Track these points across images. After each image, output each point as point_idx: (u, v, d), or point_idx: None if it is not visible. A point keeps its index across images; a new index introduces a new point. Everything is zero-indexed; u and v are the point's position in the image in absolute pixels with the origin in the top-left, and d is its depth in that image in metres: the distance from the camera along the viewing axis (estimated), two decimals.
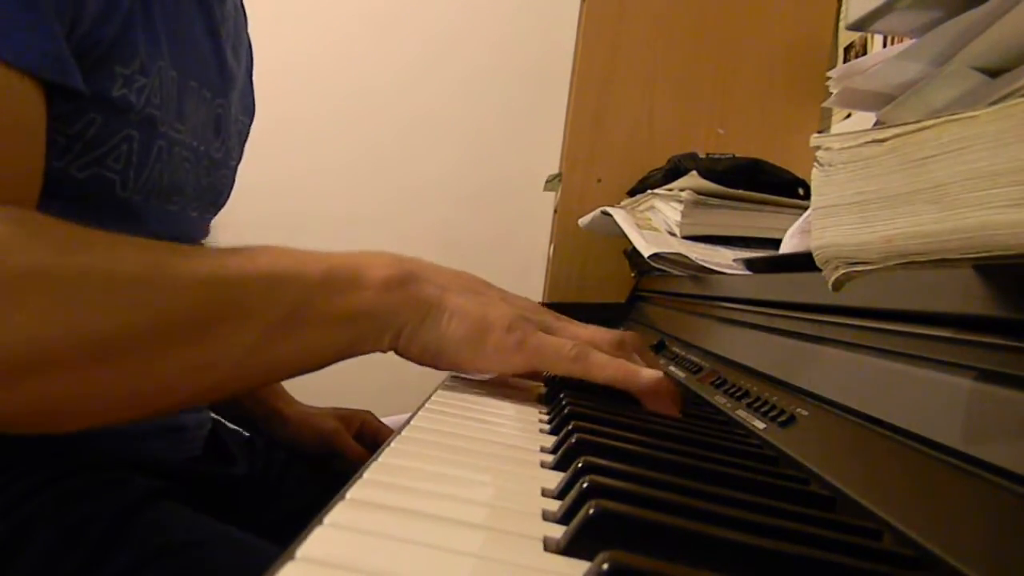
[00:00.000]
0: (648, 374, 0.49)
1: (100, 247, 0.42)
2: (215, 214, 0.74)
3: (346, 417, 0.86)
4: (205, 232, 0.73)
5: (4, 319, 0.38)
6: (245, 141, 0.80)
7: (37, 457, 0.55)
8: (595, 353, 0.48)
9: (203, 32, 0.65)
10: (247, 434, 0.82)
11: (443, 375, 0.58)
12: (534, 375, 0.54)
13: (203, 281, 0.43)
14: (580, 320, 0.56)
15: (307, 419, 0.84)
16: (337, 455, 0.82)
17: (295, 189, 2.09)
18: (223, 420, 0.79)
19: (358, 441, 0.84)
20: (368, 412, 0.88)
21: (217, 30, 0.67)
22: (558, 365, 0.48)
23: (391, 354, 0.49)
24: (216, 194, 0.71)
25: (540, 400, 0.55)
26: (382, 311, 0.46)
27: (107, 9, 0.51)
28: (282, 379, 0.46)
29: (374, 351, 0.47)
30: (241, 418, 0.83)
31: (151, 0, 0.57)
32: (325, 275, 0.45)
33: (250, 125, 0.81)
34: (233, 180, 0.76)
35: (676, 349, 0.79)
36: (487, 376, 0.52)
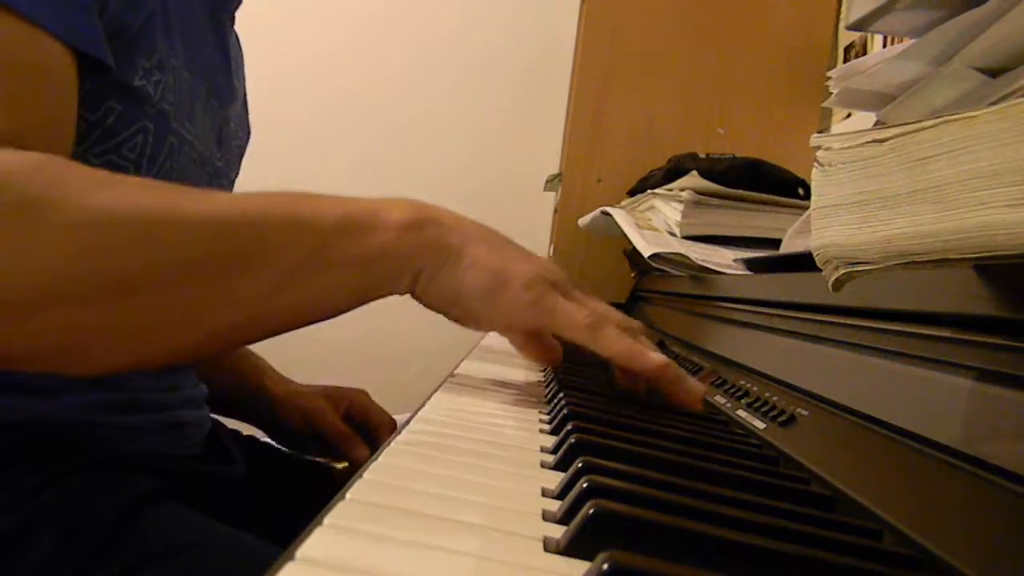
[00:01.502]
0: (655, 356, 0.48)
1: (124, 187, 0.43)
2: None
3: (334, 396, 0.84)
4: None
5: (27, 251, 0.39)
6: (241, 158, 0.81)
7: (38, 456, 0.55)
8: (608, 327, 0.48)
9: (213, 46, 0.67)
10: (246, 434, 0.82)
11: (443, 375, 0.58)
12: (542, 338, 0.53)
13: (222, 221, 0.43)
14: None
15: (292, 397, 0.82)
16: (319, 435, 0.80)
17: (294, 189, 2.09)
18: (222, 420, 0.79)
19: (347, 421, 0.82)
20: (361, 392, 0.86)
21: (225, 47, 0.69)
22: (569, 330, 0.47)
23: (391, 354, 0.49)
24: None
25: (540, 400, 0.55)
26: (400, 253, 0.46)
27: (131, 1, 0.52)
28: (303, 323, 0.46)
29: (392, 294, 0.47)
30: (228, 400, 0.82)
31: (169, 5, 0.58)
32: (343, 218, 0.45)
33: (246, 146, 0.83)
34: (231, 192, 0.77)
35: (676, 349, 0.79)
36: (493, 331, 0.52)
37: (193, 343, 0.45)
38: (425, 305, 0.48)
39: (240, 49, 0.78)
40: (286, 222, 0.45)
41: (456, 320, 0.48)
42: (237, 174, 0.79)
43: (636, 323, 0.54)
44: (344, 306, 0.47)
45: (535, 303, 0.46)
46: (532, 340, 0.51)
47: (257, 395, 0.82)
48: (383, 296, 0.47)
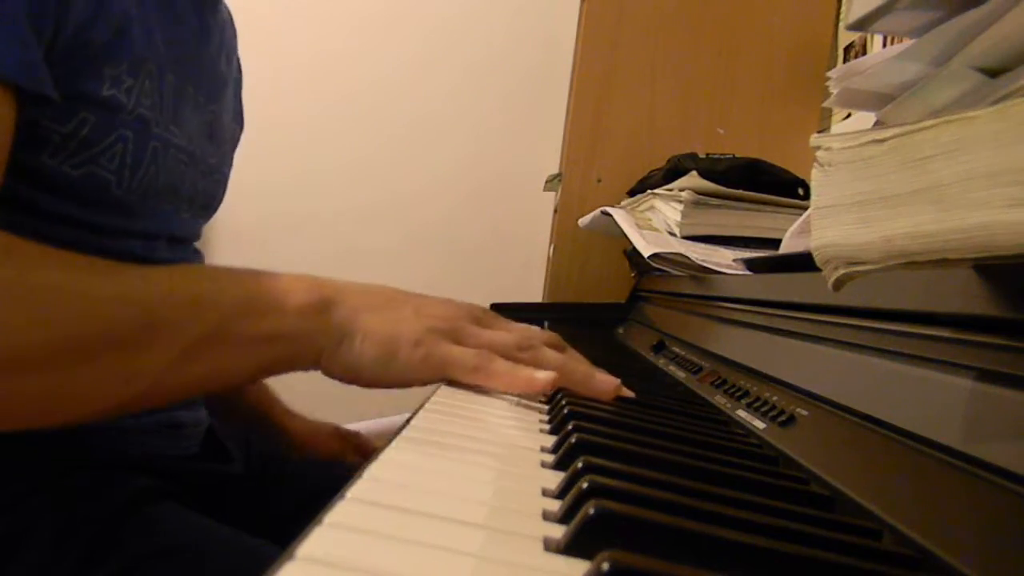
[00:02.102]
0: (541, 377, 0.49)
1: (26, 260, 0.43)
2: (207, 219, 0.75)
3: (345, 436, 0.94)
4: (197, 235, 0.74)
5: None
6: (234, 150, 0.81)
7: (34, 457, 0.55)
8: (496, 362, 0.49)
9: (198, 37, 0.66)
10: (243, 433, 0.82)
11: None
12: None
13: (120, 300, 0.44)
14: (579, 320, 0.56)
15: (313, 437, 0.90)
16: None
17: (294, 189, 2.09)
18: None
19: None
20: (366, 439, 0.95)
21: (210, 36, 0.68)
22: (463, 376, 0.49)
23: None
24: (209, 198, 0.72)
25: (540, 400, 0.55)
26: (300, 335, 0.48)
27: (95, 13, 0.52)
28: (206, 393, 0.50)
29: (296, 370, 0.49)
30: (242, 431, 0.84)
31: (148, 4, 0.57)
32: (245, 298, 0.47)
33: (240, 135, 0.83)
34: (225, 187, 0.77)
35: (676, 349, 0.79)
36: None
37: (99, 411, 0.46)
38: (334, 379, 0.50)
39: (232, 27, 0.77)
40: (188, 300, 0.46)
41: (366, 387, 0.50)
42: (230, 168, 0.79)
43: (537, 335, 0.55)
44: (245, 381, 0.49)
45: (425, 360, 0.48)
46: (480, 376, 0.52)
47: (278, 435, 0.88)
48: (285, 372, 0.49)
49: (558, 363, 0.51)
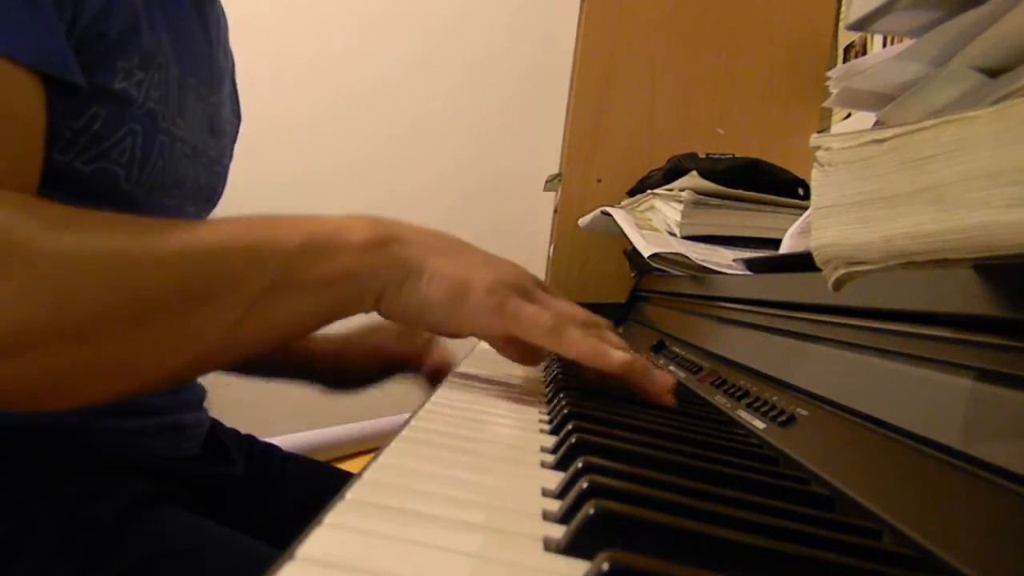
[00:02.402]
0: (619, 355, 0.49)
1: (86, 226, 0.42)
2: (210, 212, 0.75)
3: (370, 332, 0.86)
4: None
5: None
6: (234, 143, 0.81)
7: (36, 461, 0.55)
8: (570, 328, 0.48)
9: (198, 30, 0.66)
10: (244, 433, 0.82)
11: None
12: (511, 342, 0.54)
13: (182, 256, 0.43)
14: None
15: (344, 348, 0.84)
16: (386, 366, 0.84)
17: (294, 189, 2.09)
18: (220, 420, 0.79)
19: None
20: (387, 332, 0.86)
21: (208, 28, 0.68)
22: (533, 333, 0.48)
23: None
24: (211, 191, 0.72)
25: (540, 400, 0.55)
26: (363, 273, 0.46)
27: (108, 4, 0.51)
28: (271, 347, 0.47)
29: (358, 312, 0.48)
30: (278, 367, 0.83)
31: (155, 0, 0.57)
32: (305, 241, 0.46)
33: (238, 128, 0.82)
34: (225, 180, 0.77)
35: (676, 349, 0.79)
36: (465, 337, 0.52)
37: (165, 377, 0.45)
38: (392, 320, 0.48)
39: (224, 18, 0.77)
40: (247, 250, 0.45)
41: (425, 330, 0.48)
42: (230, 161, 0.79)
43: (601, 320, 0.54)
44: (311, 328, 0.47)
45: (497, 310, 0.47)
46: (510, 343, 0.51)
47: (310, 359, 0.83)
48: (349, 315, 0.48)
49: (623, 348, 0.51)
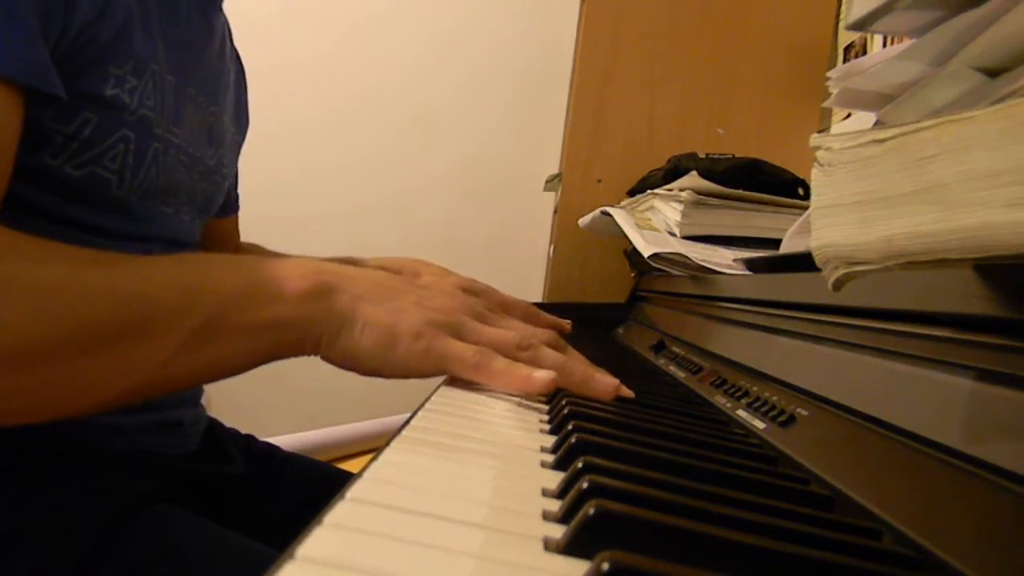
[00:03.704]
0: (540, 376, 0.49)
1: (26, 257, 0.43)
2: (205, 220, 0.75)
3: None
4: (196, 238, 0.74)
5: None
6: (238, 155, 0.81)
7: (33, 459, 0.55)
8: (495, 360, 0.49)
9: (200, 38, 0.66)
10: (244, 433, 0.82)
11: (443, 375, 0.58)
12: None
13: (120, 292, 0.44)
14: (579, 320, 0.57)
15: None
16: None
17: (294, 189, 2.09)
18: (220, 420, 0.79)
19: None
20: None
21: (212, 36, 0.69)
22: (461, 372, 0.49)
23: None
24: (208, 200, 0.72)
25: (540, 400, 0.55)
26: (299, 322, 0.48)
27: (101, 11, 0.52)
28: (208, 381, 0.49)
29: (298, 355, 0.49)
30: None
31: (150, 6, 0.57)
32: (244, 286, 0.47)
33: (242, 140, 0.82)
34: (225, 189, 0.77)
35: (676, 349, 0.79)
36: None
37: (92, 406, 0.46)
38: (333, 364, 0.49)
39: (227, 26, 0.77)
40: (187, 290, 0.46)
41: (365, 375, 0.49)
42: (232, 169, 0.78)
43: (540, 335, 0.55)
44: (245, 368, 0.48)
45: (425, 353, 0.48)
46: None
47: None
48: (288, 357, 0.49)
49: (558, 363, 0.51)
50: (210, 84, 0.69)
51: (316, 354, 0.49)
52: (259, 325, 0.47)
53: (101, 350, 0.43)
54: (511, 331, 0.53)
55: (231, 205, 0.88)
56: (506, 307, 0.60)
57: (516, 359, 0.50)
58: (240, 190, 0.91)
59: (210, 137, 0.70)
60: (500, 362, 0.49)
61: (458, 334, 0.50)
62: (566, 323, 0.71)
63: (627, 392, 0.53)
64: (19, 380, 0.42)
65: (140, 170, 0.58)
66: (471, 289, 0.59)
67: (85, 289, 0.43)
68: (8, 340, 0.40)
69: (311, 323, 0.48)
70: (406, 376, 0.49)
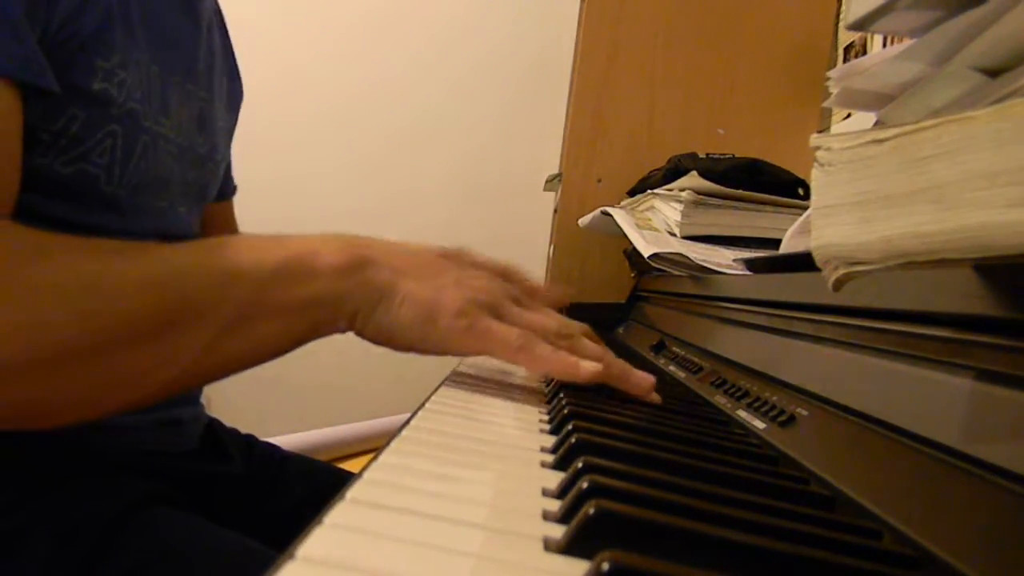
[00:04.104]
0: (588, 366, 0.49)
1: (57, 256, 0.42)
2: (200, 210, 0.73)
3: None
4: (192, 230, 0.72)
5: None
6: (230, 139, 0.79)
7: (33, 459, 0.55)
8: (540, 344, 0.49)
9: (183, 23, 0.64)
10: (245, 433, 0.82)
11: (443, 375, 0.58)
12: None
13: (153, 282, 0.43)
14: (579, 320, 0.56)
15: None
16: None
17: (294, 189, 2.09)
18: (220, 420, 0.79)
19: None
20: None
21: (197, 20, 0.67)
22: (502, 353, 0.48)
23: (392, 354, 0.50)
24: (202, 188, 0.71)
25: (540, 400, 0.55)
26: (336, 297, 0.46)
27: (82, 3, 0.51)
28: (246, 367, 0.47)
29: (332, 333, 0.48)
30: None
31: None
32: (278, 266, 0.46)
33: (235, 123, 0.80)
34: (219, 176, 0.75)
35: (676, 349, 0.79)
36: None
37: (137, 400, 0.45)
38: (367, 340, 0.48)
39: (218, 8, 0.75)
40: (219, 275, 0.45)
41: (400, 351, 0.48)
42: (225, 158, 0.77)
43: (576, 327, 0.55)
44: (285, 350, 0.47)
45: (467, 331, 0.47)
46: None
47: None
48: (323, 336, 0.48)
49: (597, 354, 0.51)
50: (197, 70, 0.67)
51: (351, 330, 0.48)
52: (297, 304, 0.46)
53: (140, 343, 0.42)
54: (550, 318, 0.53)
55: (226, 190, 0.87)
56: (538, 295, 0.59)
57: (557, 347, 0.50)
58: (240, 190, 0.91)
59: (201, 124, 0.68)
60: (544, 347, 0.49)
61: (499, 316, 0.49)
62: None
63: (655, 397, 0.53)
64: (61, 381, 0.41)
65: (129, 164, 0.57)
66: (508, 274, 0.58)
67: (118, 283, 0.42)
68: (47, 342, 0.40)
69: (348, 297, 0.47)
70: (444, 353, 0.48)
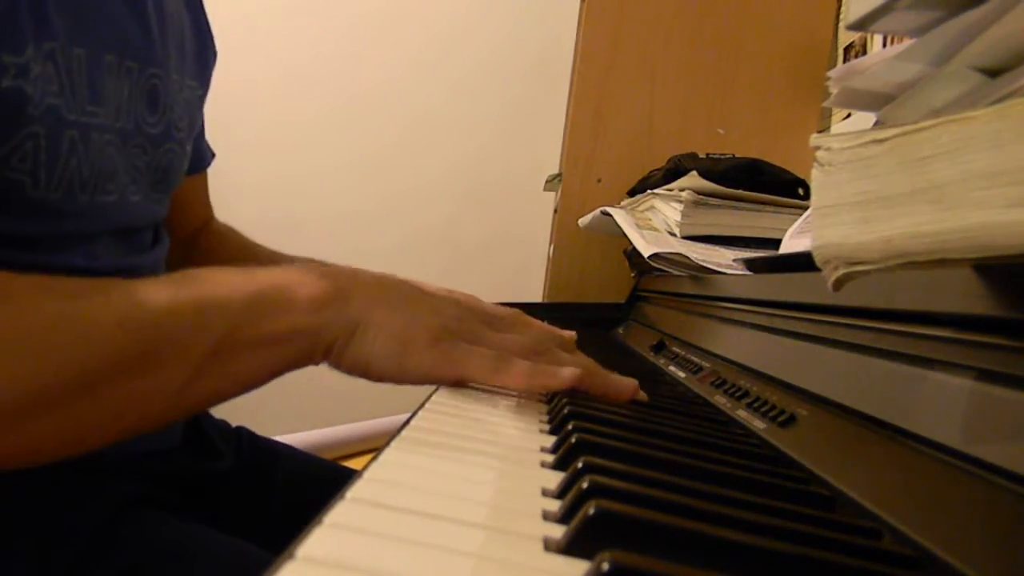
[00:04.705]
0: (566, 373, 0.49)
1: (20, 297, 0.40)
2: (166, 193, 0.68)
3: None
4: (156, 217, 0.67)
5: None
6: (200, 108, 0.73)
7: (17, 467, 0.54)
8: (515, 363, 0.49)
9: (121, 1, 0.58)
10: (234, 425, 0.80)
11: None
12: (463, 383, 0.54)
13: (126, 323, 0.42)
14: (579, 320, 0.57)
15: None
16: None
17: (294, 189, 2.09)
18: (209, 412, 0.77)
19: None
20: None
21: None
22: (479, 376, 0.49)
23: None
24: (161, 172, 0.65)
25: (540, 400, 0.55)
26: (312, 330, 0.46)
27: None
28: (222, 402, 0.47)
29: (307, 365, 0.48)
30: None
31: None
32: (252, 299, 0.45)
33: (206, 89, 0.75)
34: (184, 153, 0.69)
35: (676, 349, 0.79)
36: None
37: (110, 440, 0.44)
38: (343, 372, 0.48)
39: None
40: (193, 312, 0.43)
41: (375, 381, 0.48)
42: (191, 133, 0.70)
43: (552, 337, 0.55)
44: (258, 383, 0.47)
45: (442, 359, 0.47)
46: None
47: None
48: (298, 368, 0.47)
49: (576, 363, 0.51)
50: (139, 47, 0.60)
51: (326, 361, 0.48)
52: (274, 337, 0.45)
53: (113, 386, 0.41)
54: (524, 336, 0.53)
55: (200, 162, 0.81)
56: (514, 324, 0.59)
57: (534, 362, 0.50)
58: (239, 190, 0.89)
59: (151, 103, 0.62)
60: (521, 364, 0.49)
61: (473, 341, 0.50)
62: (570, 334, 0.70)
63: (642, 395, 0.53)
64: (32, 429, 0.40)
65: (56, 165, 0.52)
66: (474, 304, 0.58)
67: (88, 325, 0.41)
68: (15, 392, 0.38)
69: (322, 330, 0.46)
70: (421, 382, 0.48)
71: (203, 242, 0.87)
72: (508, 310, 0.60)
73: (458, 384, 0.50)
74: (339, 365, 0.48)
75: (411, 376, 0.48)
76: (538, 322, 0.61)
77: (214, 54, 0.76)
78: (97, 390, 0.41)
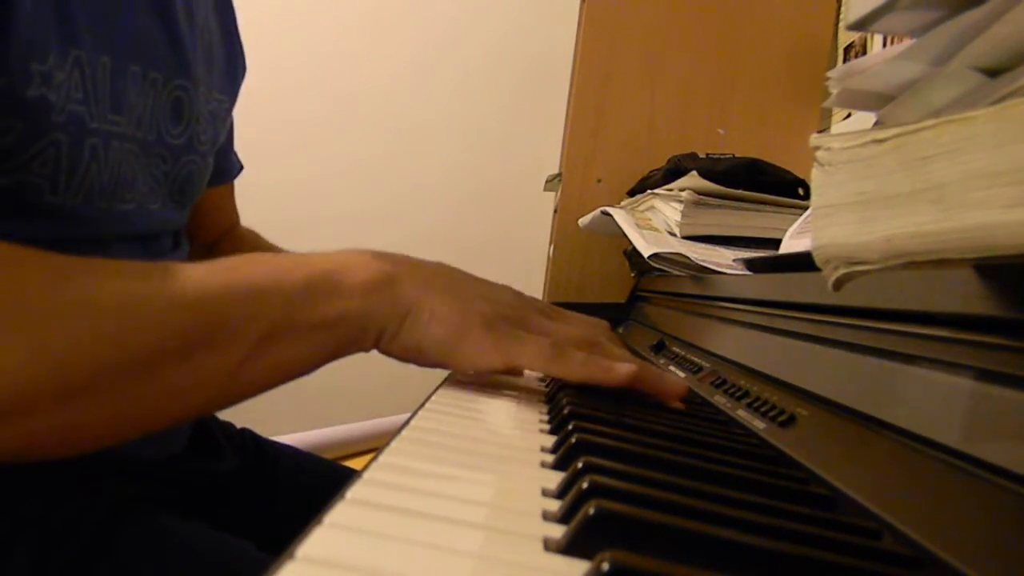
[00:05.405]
0: (624, 369, 0.49)
1: (80, 279, 0.41)
2: (186, 205, 0.68)
3: None
4: (174, 226, 0.67)
5: None
6: (225, 120, 0.74)
7: (16, 465, 0.54)
8: (572, 352, 0.49)
9: (145, 9, 0.58)
10: (238, 426, 0.80)
11: (443, 375, 0.58)
12: (515, 372, 0.54)
13: (184, 305, 0.42)
14: None
15: None
16: None
17: (295, 190, 2.09)
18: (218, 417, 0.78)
19: None
20: None
21: (166, 5, 0.60)
22: (534, 365, 0.48)
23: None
24: (183, 182, 0.65)
25: (540, 400, 0.55)
26: (363, 315, 0.46)
27: (6, 7, 0.46)
28: (272, 387, 0.46)
29: (358, 351, 0.47)
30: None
31: None
32: (305, 283, 0.45)
33: (231, 104, 0.75)
34: (206, 165, 0.69)
35: (676, 349, 0.79)
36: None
37: (167, 422, 0.44)
38: (393, 358, 0.48)
39: None
40: (248, 294, 0.43)
41: (426, 367, 0.48)
42: (215, 144, 0.71)
43: (599, 332, 0.55)
44: (312, 368, 0.46)
45: (496, 345, 0.47)
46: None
47: None
48: (349, 354, 0.47)
49: (627, 359, 0.51)
50: (166, 58, 0.60)
51: (376, 347, 0.47)
52: (325, 322, 0.45)
53: (174, 364, 0.41)
54: (576, 328, 0.53)
55: (225, 174, 0.81)
56: (567, 316, 0.58)
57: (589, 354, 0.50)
58: (239, 191, 0.88)
59: (175, 115, 0.62)
60: (578, 354, 0.49)
61: (529, 330, 0.49)
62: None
63: (679, 404, 0.53)
64: (89, 410, 0.40)
65: (77, 172, 0.52)
66: (524, 295, 0.57)
67: (144, 307, 0.41)
68: (77, 363, 0.38)
69: (374, 314, 0.46)
70: (473, 369, 0.48)
71: (226, 247, 0.87)
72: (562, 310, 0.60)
73: (510, 372, 0.49)
74: (390, 351, 0.47)
75: (464, 362, 0.47)
76: (588, 316, 0.61)
77: (243, 68, 0.76)
78: (155, 370, 0.41)
